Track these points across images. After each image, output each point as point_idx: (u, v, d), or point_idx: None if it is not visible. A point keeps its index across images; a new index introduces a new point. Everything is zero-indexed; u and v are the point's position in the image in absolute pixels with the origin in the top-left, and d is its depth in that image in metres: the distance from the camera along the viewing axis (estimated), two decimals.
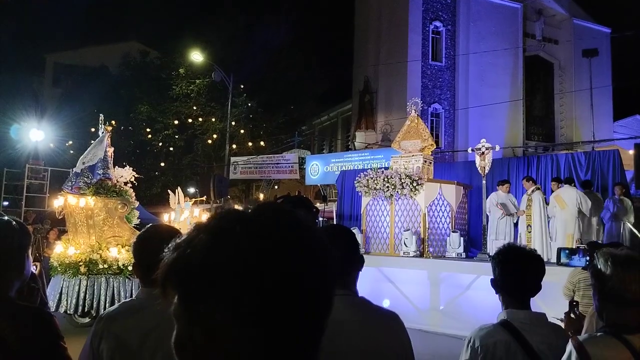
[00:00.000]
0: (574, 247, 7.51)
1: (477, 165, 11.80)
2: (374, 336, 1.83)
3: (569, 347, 1.85)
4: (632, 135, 22.16)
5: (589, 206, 9.74)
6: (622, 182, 10.71)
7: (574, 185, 10.31)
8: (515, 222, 10.87)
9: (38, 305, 2.17)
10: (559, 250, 3.01)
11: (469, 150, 12.54)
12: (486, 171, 11.54)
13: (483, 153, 11.67)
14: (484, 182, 11.34)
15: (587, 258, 2.73)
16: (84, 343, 2.08)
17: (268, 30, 27.46)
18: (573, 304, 2.64)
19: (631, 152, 14.48)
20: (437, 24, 24.01)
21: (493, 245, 10.29)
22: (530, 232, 10.43)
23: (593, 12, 26.87)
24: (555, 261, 7.60)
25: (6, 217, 1.91)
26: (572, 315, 2.59)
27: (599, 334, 1.88)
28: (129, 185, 9.28)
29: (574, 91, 24.78)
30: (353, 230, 2.29)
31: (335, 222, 13.80)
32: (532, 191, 10.47)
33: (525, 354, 2.01)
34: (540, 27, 25.66)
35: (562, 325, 2.50)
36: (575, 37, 25.42)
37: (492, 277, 2.25)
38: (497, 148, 12.19)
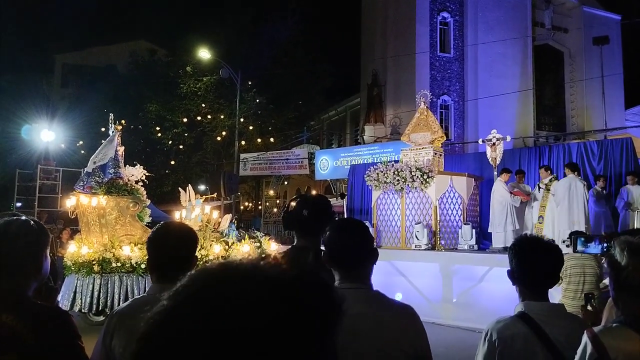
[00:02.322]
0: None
1: (488, 156, 11.75)
2: (389, 329, 1.82)
3: (584, 338, 1.83)
4: None
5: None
6: (635, 171, 10.59)
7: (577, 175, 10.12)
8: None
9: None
10: (575, 237, 2.98)
11: (480, 141, 12.48)
12: (497, 162, 11.49)
13: (494, 144, 11.61)
14: (495, 173, 11.29)
15: (604, 245, 2.70)
16: (96, 340, 2.09)
17: (274, 25, 27.42)
18: (590, 297, 2.60)
19: None
20: (445, 14, 23.82)
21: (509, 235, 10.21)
22: (541, 222, 10.35)
23: None
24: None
25: (24, 217, 1.92)
26: (590, 308, 2.55)
27: (614, 324, 1.85)
28: (140, 183, 9.34)
29: (584, 80, 24.49)
30: None
31: (345, 217, 13.80)
32: (550, 180, 10.37)
33: (543, 346, 1.98)
34: (549, 16, 25.36)
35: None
36: (585, 25, 25.09)
37: (509, 268, 2.23)
38: (508, 139, 12.12)
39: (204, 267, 0.68)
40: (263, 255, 0.70)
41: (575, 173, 9.94)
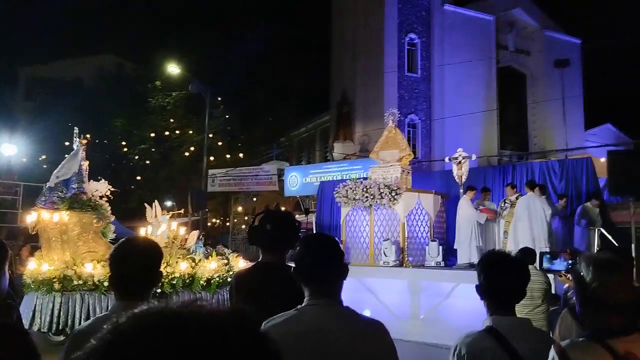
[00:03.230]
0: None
1: (454, 174, 11.95)
2: (360, 345, 1.81)
3: (552, 353, 1.85)
4: (603, 143, 22.68)
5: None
6: (599, 195, 10.89)
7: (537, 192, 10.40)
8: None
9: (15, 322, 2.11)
10: (541, 254, 3.06)
11: (446, 159, 12.70)
12: (463, 180, 11.69)
13: (460, 162, 11.83)
14: (461, 190, 11.48)
15: (569, 262, 2.76)
16: None
17: (245, 42, 27.52)
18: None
19: (603, 160, 14.77)
20: (412, 35, 24.33)
21: (474, 252, 10.39)
22: (506, 237, 10.56)
23: (564, 23, 27.58)
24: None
25: None
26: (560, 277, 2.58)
27: (581, 339, 1.88)
28: (105, 199, 9.12)
29: (546, 101, 25.30)
30: None
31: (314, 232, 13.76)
32: (517, 198, 10.61)
33: None
34: (512, 39, 26.21)
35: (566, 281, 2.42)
36: (546, 48, 26.00)
37: (477, 283, 2.25)
38: (474, 157, 12.37)
39: (128, 316, 0.66)
40: (192, 299, 0.69)
41: (535, 190, 10.20)
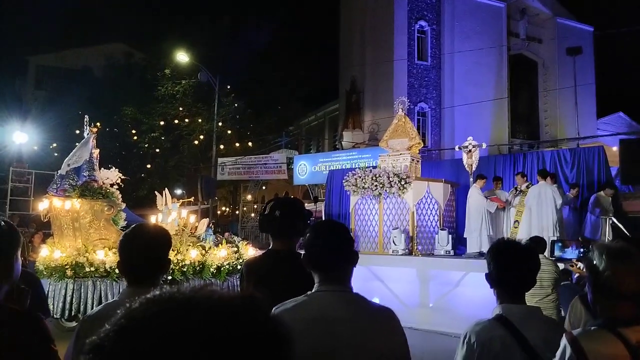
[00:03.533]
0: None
1: (464, 163, 11.89)
2: (369, 332, 1.81)
3: (563, 341, 1.85)
4: (615, 132, 22.45)
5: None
6: (612, 184, 10.79)
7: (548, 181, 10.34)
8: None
9: (30, 308, 2.13)
10: (552, 242, 3.04)
11: (456, 148, 12.62)
12: (473, 169, 11.64)
13: (470, 151, 11.77)
14: (471, 179, 11.43)
15: (581, 250, 2.75)
16: (67, 345, 2.05)
17: (254, 30, 27.38)
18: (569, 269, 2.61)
19: (615, 148, 14.67)
20: (422, 23, 24.10)
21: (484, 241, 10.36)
22: (517, 227, 10.51)
23: (576, 11, 27.20)
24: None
25: None
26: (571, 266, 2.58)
27: (593, 327, 1.87)
28: (115, 187, 9.19)
29: (557, 89, 25.03)
30: None
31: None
32: (527, 186, 10.56)
33: (521, 349, 2.00)
34: (524, 26, 25.88)
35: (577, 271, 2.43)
36: (558, 35, 25.67)
37: (487, 271, 2.25)
38: (484, 146, 12.30)
39: (137, 301, 0.67)
40: (203, 284, 0.70)
41: (547, 179, 10.13)
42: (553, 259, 5.99)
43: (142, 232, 2.22)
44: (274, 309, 1.88)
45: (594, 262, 1.85)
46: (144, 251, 2.10)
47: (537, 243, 6.02)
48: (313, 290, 1.92)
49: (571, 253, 3.26)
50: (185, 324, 0.61)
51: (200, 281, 8.30)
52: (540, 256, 5.80)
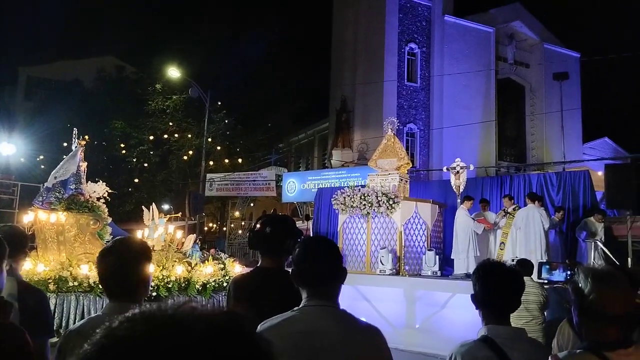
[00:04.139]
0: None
1: (452, 184, 11.98)
2: (356, 347, 1.82)
3: None
4: (601, 157, 22.77)
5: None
6: (598, 209, 10.92)
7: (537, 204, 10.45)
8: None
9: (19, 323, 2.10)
10: (540, 264, 3.05)
11: (444, 169, 12.72)
12: (461, 190, 11.71)
13: (458, 172, 11.86)
14: (458, 200, 11.49)
15: (568, 272, 2.77)
16: None
17: (246, 48, 27.56)
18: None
19: (600, 173, 14.84)
20: (413, 45, 24.44)
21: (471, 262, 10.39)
22: (502, 249, 10.57)
23: (563, 37, 27.77)
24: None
25: None
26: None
27: (578, 350, 1.88)
28: (102, 201, 9.11)
29: (544, 113, 25.41)
30: None
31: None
32: (514, 209, 10.65)
33: None
34: (512, 51, 26.37)
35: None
36: (545, 60, 26.16)
37: (472, 292, 2.26)
38: (471, 167, 12.41)
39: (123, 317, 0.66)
40: (184, 301, 0.69)
41: (536, 202, 10.23)
42: (540, 281, 6.02)
43: (118, 246, 2.20)
44: (261, 324, 1.87)
45: (579, 285, 1.87)
46: (120, 265, 2.07)
47: (523, 266, 6.05)
48: (300, 305, 1.92)
49: (558, 275, 3.29)
50: (165, 343, 0.61)
51: (186, 298, 8.20)
52: (527, 279, 5.83)
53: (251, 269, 2.95)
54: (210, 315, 0.66)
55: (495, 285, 2.19)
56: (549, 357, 1.88)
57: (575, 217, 11.17)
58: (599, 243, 9.80)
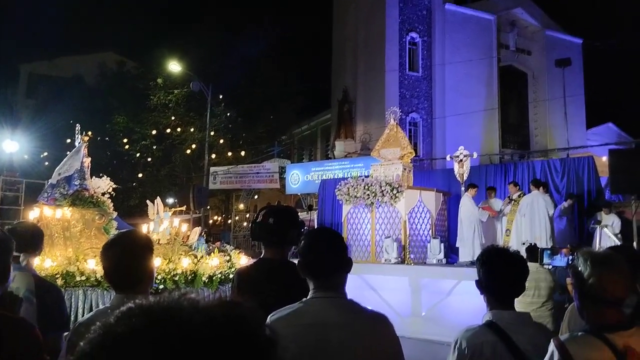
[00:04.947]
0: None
1: (455, 172, 11.97)
2: (364, 337, 1.84)
3: (551, 346, 1.87)
4: (604, 142, 22.67)
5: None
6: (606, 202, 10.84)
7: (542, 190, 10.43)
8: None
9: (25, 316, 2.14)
10: (542, 250, 3.06)
11: (448, 157, 12.71)
12: (464, 178, 11.71)
13: (461, 160, 11.85)
14: (462, 188, 11.49)
15: (570, 258, 2.78)
16: (60, 354, 2.06)
17: (247, 40, 27.45)
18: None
19: (604, 158, 14.78)
20: (414, 35, 24.31)
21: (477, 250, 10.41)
22: (508, 235, 10.58)
23: (565, 23, 27.56)
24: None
25: None
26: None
27: (580, 333, 1.90)
28: (107, 196, 9.15)
29: (547, 100, 25.28)
30: None
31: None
32: (519, 196, 10.64)
33: (511, 354, 2.03)
34: (513, 38, 26.18)
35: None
36: (547, 47, 25.98)
37: (477, 278, 2.28)
38: (475, 155, 12.39)
39: (122, 310, 0.67)
40: (181, 292, 0.69)
41: (540, 189, 10.22)
42: (549, 267, 6.03)
43: (120, 239, 2.23)
44: (270, 316, 1.90)
45: (579, 269, 1.89)
46: (124, 258, 2.10)
47: (532, 252, 6.07)
48: (308, 297, 1.95)
49: (560, 260, 3.30)
50: (164, 336, 0.60)
51: (193, 290, 8.25)
52: (537, 265, 5.85)
53: (255, 260, 2.96)
54: (209, 306, 0.65)
55: (499, 271, 2.21)
56: (551, 340, 1.90)
57: (579, 202, 11.14)
58: (605, 229, 9.80)
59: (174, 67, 23.35)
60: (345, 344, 1.80)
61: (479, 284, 2.27)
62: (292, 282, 2.10)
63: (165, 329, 0.61)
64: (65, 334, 2.69)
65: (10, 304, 2.16)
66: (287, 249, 2.74)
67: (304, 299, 1.94)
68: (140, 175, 27.14)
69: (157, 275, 7.45)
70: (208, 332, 0.62)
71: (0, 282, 1.86)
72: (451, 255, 11.35)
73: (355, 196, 11.40)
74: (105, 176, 9.54)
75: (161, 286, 7.74)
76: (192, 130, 26.43)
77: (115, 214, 9.26)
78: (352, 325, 1.85)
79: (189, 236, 9.44)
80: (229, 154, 26.97)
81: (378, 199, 11.08)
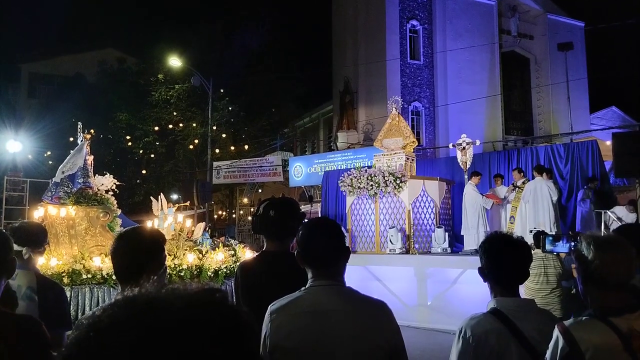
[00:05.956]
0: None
1: (458, 160, 11.93)
2: (363, 323, 1.84)
3: (556, 332, 1.87)
4: (608, 126, 22.55)
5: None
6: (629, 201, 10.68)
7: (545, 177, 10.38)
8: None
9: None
10: (544, 237, 3.04)
11: (450, 146, 12.67)
12: (468, 166, 11.67)
13: (464, 148, 11.80)
14: (466, 177, 11.46)
15: (572, 244, 2.76)
16: None
17: (246, 34, 27.38)
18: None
19: (608, 142, 14.71)
20: (414, 22, 24.15)
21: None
22: (512, 222, 10.55)
23: (567, 6, 27.30)
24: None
25: None
26: None
27: (584, 317, 1.89)
28: (111, 193, 9.17)
29: (550, 85, 25.12)
30: None
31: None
32: (523, 182, 10.60)
33: (516, 341, 2.02)
34: (515, 23, 25.97)
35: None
36: (549, 31, 25.77)
37: (480, 265, 2.26)
38: (478, 143, 12.34)
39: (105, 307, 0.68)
40: (164, 283, 0.71)
41: (544, 175, 10.18)
42: (556, 254, 6.01)
43: (130, 235, 2.21)
44: (270, 305, 1.90)
45: (583, 253, 1.87)
46: (132, 253, 2.09)
47: (537, 238, 6.04)
48: (307, 286, 1.95)
49: (562, 247, 3.27)
50: (145, 325, 0.62)
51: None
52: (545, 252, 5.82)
53: (257, 253, 2.97)
54: (189, 292, 0.68)
55: (502, 258, 2.19)
56: (556, 325, 1.89)
57: (584, 187, 11.07)
58: (609, 213, 9.76)
59: (174, 62, 23.31)
60: (346, 330, 1.81)
61: (481, 271, 2.25)
62: (295, 273, 2.10)
63: (146, 317, 0.63)
64: (68, 332, 2.70)
65: (10, 300, 2.17)
66: (289, 241, 2.74)
67: (303, 288, 1.95)
68: (143, 171, 27.19)
69: None
70: (188, 317, 0.64)
71: (6, 274, 1.88)
72: (456, 244, 11.34)
73: (359, 187, 11.39)
74: (109, 174, 9.55)
75: (167, 282, 7.77)
76: (194, 125, 26.44)
77: (119, 211, 9.28)
78: (352, 311, 1.85)
79: (193, 231, 9.47)
80: (232, 148, 26.99)
81: (381, 190, 11.07)
